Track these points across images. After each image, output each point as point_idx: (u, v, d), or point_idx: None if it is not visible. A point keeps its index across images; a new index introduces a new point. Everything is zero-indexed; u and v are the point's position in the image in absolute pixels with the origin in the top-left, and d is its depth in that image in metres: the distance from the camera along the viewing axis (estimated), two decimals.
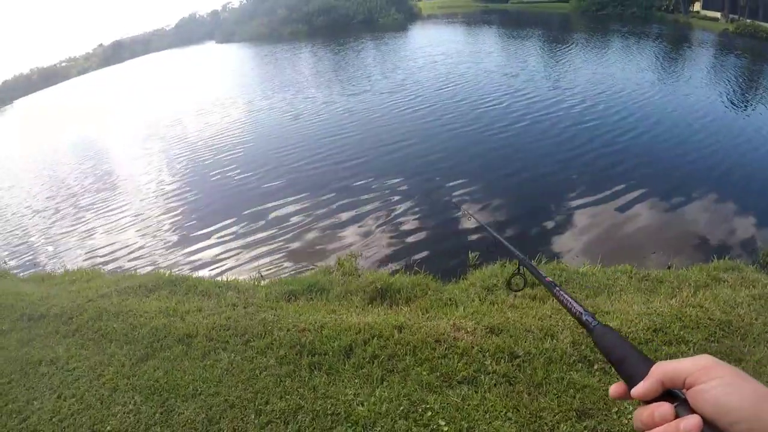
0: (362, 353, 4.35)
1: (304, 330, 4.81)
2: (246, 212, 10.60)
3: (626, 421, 3.55)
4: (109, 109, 31.90)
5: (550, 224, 8.42)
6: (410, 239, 8.50)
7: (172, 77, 41.89)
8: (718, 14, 36.05)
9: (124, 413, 3.98)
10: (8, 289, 7.49)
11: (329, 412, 3.70)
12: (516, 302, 4.95)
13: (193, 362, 4.54)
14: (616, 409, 3.61)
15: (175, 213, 11.56)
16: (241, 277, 7.61)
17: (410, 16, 58.05)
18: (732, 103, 15.33)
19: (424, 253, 7.87)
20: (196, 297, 6.28)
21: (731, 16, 33.91)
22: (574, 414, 3.60)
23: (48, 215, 13.57)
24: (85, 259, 10.01)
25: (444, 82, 20.21)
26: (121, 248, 10.23)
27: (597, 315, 4.53)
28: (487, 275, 5.78)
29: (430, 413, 3.62)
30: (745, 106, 15.25)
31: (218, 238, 9.78)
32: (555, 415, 3.58)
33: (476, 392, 3.79)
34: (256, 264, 8.41)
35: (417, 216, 9.24)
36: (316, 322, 4.93)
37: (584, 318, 0.87)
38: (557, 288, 1.01)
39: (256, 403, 3.87)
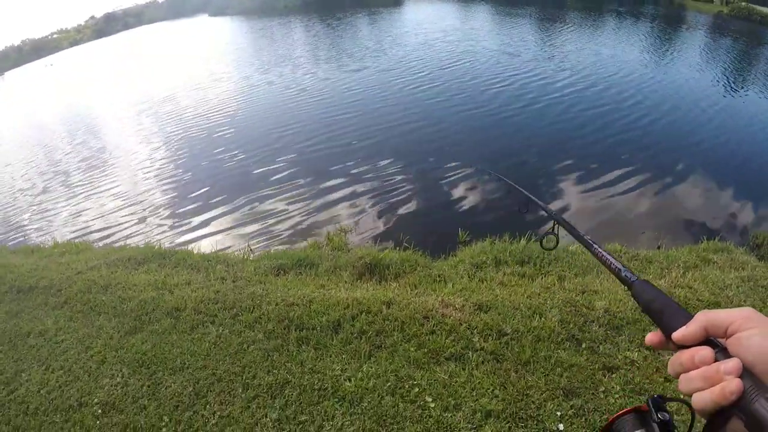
0: (350, 328, 4.34)
1: (292, 304, 4.82)
2: (238, 188, 10.54)
3: (613, 401, 3.58)
4: (102, 83, 31.51)
5: (547, 202, 8.41)
6: (401, 216, 8.49)
7: (165, 51, 41.30)
8: None
9: (111, 386, 3.98)
10: None
11: (316, 387, 3.71)
12: (505, 279, 4.95)
13: (181, 335, 4.55)
14: (603, 388, 3.64)
15: (167, 189, 11.48)
16: (231, 251, 7.59)
17: None
18: (729, 88, 15.29)
19: (415, 230, 7.86)
20: (185, 270, 6.26)
21: None
22: (561, 392, 3.62)
23: (38, 191, 13.48)
24: (75, 233, 9.96)
25: (446, 61, 19.85)
26: (112, 223, 10.18)
27: (585, 294, 4.61)
28: (477, 252, 5.77)
29: (417, 389, 3.63)
30: (742, 90, 15.21)
31: (210, 213, 9.73)
32: (542, 393, 3.60)
33: (463, 369, 3.80)
34: (246, 238, 8.39)
35: (409, 194, 9.19)
36: (304, 297, 4.92)
37: (623, 274, 0.88)
38: (595, 245, 1.02)
39: (244, 377, 3.88)
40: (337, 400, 3.59)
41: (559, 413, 3.49)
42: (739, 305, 4.65)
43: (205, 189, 10.85)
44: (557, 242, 1.49)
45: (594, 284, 4.73)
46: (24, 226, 11.12)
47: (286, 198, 9.72)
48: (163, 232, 9.29)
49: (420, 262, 5.71)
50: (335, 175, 10.33)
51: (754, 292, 5.15)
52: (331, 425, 3.39)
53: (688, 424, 0.71)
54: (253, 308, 4.85)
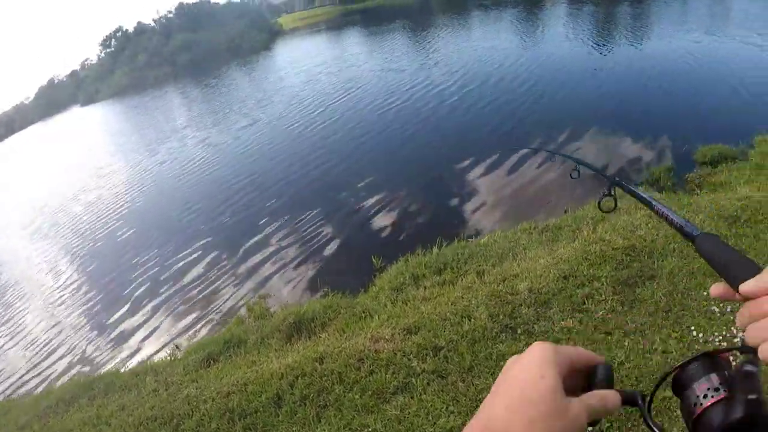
0: (291, 398, 4.12)
1: (228, 394, 4.54)
2: (154, 286, 9.87)
3: None
4: None
5: (455, 203, 8.49)
6: (318, 263, 8.21)
7: (43, 158, 38.91)
8: None
9: None
10: None
11: None
12: (427, 294, 4.85)
13: None
14: None
15: (81, 313, 10.44)
16: (157, 356, 7.14)
17: (273, 35, 57.45)
18: (601, 46, 16.25)
19: (333, 272, 7.68)
20: (117, 394, 5.88)
21: None
22: None
23: None
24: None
25: (336, 93, 19.56)
26: (33, 367, 9.30)
27: (507, 281, 4.58)
28: (394, 275, 5.67)
29: None
30: (613, 45, 16.22)
31: (131, 322, 9.07)
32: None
33: (412, 398, 3.66)
34: (169, 336, 7.90)
35: (323, 238, 8.92)
36: (238, 381, 4.66)
37: (686, 228, 0.86)
38: (655, 203, 1.01)
39: None
40: None
41: None
42: (653, 241, 4.79)
43: (121, 299, 10.09)
44: (615, 204, 1.51)
45: (512, 268, 4.73)
46: None
47: (204, 282, 9.19)
48: (87, 358, 8.60)
49: (342, 303, 5.53)
50: (249, 243, 9.83)
51: (663, 225, 5.32)
52: None
53: None
54: (192, 412, 4.55)
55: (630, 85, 11.86)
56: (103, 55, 79.51)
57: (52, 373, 8.66)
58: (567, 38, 18.54)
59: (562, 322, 3.98)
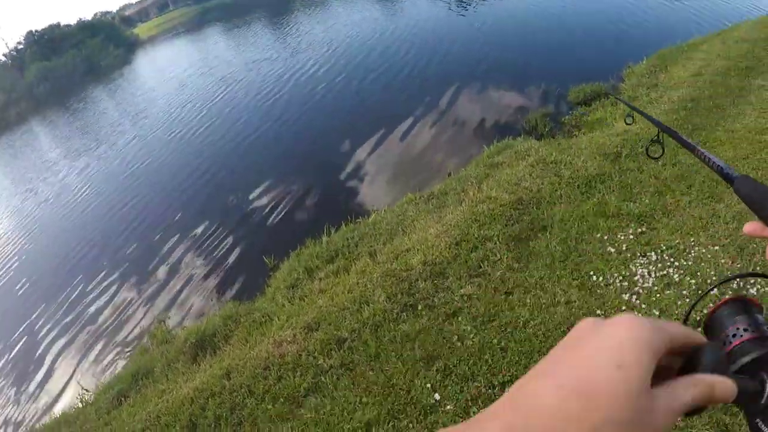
0: (205, 422, 3.91)
1: (143, 431, 4.26)
2: (51, 336, 9.13)
3: (471, 343, 3.52)
4: None
5: (343, 187, 8.36)
6: (212, 274, 7.82)
7: None
8: None
9: None
10: None
11: None
12: (322, 285, 4.72)
13: None
14: (456, 336, 3.58)
15: None
16: (70, 404, 6.60)
17: (130, 47, 54.36)
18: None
19: (225, 281, 7.41)
20: None
21: None
22: (421, 363, 3.51)
23: None
24: None
25: (212, 94, 18.55)
26: None
27: (399, 258, 4.52)
28: (287, 271, 5.50)
29: None
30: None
31: (34, 378, 8.33)
32: (404, 375, 3.47)
33: (324, 397, 3.55)
34: (78, 382, 7.34)
35: (215, 248, 8.52)
36: (150, 415, 4.37)
37: (725, 171, 0.84)
38: (698, 147, 0.98)
39: None
40: None
41: (429, 385, 3.38)
42: (539, 190, 4.88)
43: (27, 354, 9.23)
44: (663, 150, 1.51)
45: (403, 243, 4.69)
46: None
47: (108, 316, 8.43)
48: None
49: (241, 311, 5.28)
50: (149, 267, 9.22)
51: (546, 172, 5.46)
52: None
53: None
54: None
55: (503, 36, 12.14)
56: None
57: None
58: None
59: (461, 290, 3.98)
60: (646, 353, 0.42)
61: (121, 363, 6.98)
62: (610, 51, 10.00)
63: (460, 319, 3.74)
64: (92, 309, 8.77)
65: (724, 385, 0.45)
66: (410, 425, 3.16)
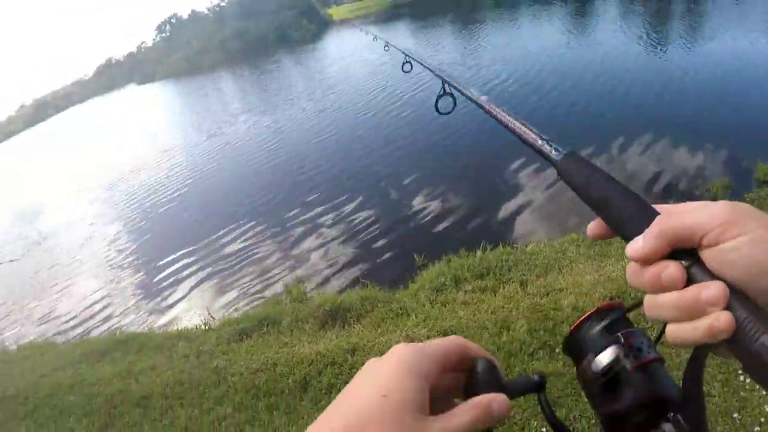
0: (318, 385, 4.17)
1: (257, 371, 4.65)
2: (191, 255, 10.19)
3: None
4: (43, 176, 30.06)
5: (503, 207, 8.22)
6: (356, 252, 8.20)
7: (102, 132, 39.84)
8: None
9: None
10: None
11: None
12: (467, 298, 4.74)
13: (153, 424, 4.42)
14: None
15: (126, 273, 10.97)
16: (192, 323, 7.28)
17: (323, 25, 57.51)
18: (652, 47, 15.57)
19: (371, 264, 7.63)
20: (149, 354, 6.14)
21: None
22: None
23: None
24: (39, 330, 9.55)
25: (405, 92, 17.84)
26: (73, 315, 9.73)
27: (550, 295, 4.42)
28: (435, 274, 5.55)
29: None
30: (663, 46, 15.53)
31: (168, 288, 9.37)
32: (524, 411, 3.40)
33: None
34: (206, 305, 8.04)
35: (361, 228, 8.91)
36: (268, 360, 4.75)
37: (545, 150, 0.66)
38: (496, 110, 0.85)
39: None
40: None
41: (544, 430, 3.29)
42: None
43: (166, 266, 10.38)
44: (455, 104, 1.47)
45: (558, 282, 4.56)
46: None
47: (246, 258, 9.38)
48: (124, 316, 8.94)
49: (380, 297, 5.47)
50: (290, 226, 9.99)
51: None
52: None
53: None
54: (219, 382, 4.71)
55: (687, 90, 11.21)
56: (158, 39, 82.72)
57: (91, 324, 9.12)
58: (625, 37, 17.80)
59: None
60: (411, 379, 0.44)
61: (251, 306, 7.53)
62: None
63: None
64: (240, 252, 9.56)
65: (498, 401, 0.46)
66: None
